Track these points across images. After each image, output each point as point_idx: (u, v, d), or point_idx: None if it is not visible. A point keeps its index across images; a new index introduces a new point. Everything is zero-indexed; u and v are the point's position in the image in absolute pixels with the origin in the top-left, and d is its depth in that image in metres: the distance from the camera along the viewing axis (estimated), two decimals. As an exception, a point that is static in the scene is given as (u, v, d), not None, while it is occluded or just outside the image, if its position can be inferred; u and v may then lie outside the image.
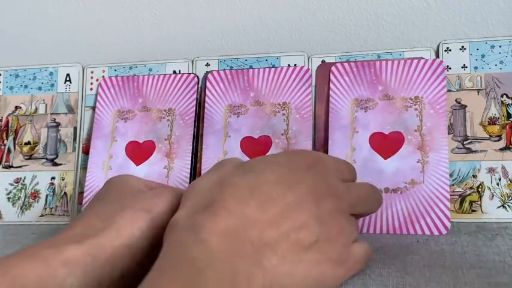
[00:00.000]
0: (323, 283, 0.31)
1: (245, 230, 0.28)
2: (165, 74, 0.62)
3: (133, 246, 0.32)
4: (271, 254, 0.28)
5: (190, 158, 0.58)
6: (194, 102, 0.60)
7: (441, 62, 0.55)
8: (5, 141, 0.65)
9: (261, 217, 0.29)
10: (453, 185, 0.53)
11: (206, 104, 0.59)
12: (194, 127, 0.59)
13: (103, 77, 0.64)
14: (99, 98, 0.63)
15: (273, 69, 0.58)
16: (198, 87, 0.61)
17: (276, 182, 0.31)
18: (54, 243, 0.30)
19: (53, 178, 0.63)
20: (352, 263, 0.34)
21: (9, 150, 0.65)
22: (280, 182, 0.31)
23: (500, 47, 0.56)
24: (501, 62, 0.55)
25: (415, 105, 0.54)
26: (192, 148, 0.58)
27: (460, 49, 0.57)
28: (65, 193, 0.62)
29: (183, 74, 0.62)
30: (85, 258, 0.29)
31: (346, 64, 0.57)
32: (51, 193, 0.62)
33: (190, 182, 0.57)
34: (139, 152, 0.59)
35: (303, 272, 0.30)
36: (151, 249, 0.32)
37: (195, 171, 0.58)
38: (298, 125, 0.56)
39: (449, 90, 0.56)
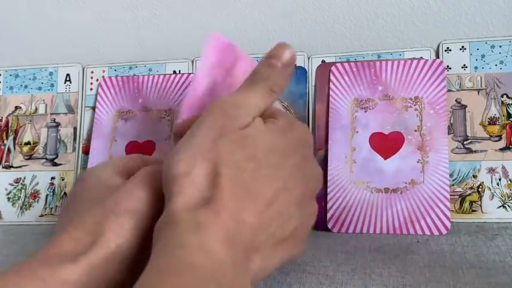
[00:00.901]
0: (288, 261, 0.32)
1: (240, 236, 0.28)
2: (165, 74, 0.62)
3: (123, 256, 0.31)
4: (256, 257, 0.28)
5: None
6: None
7: (441, 62, 0.55)
8: (5, 141, 0.65)
9: (255, 221, 0.28)
10: (453, 185, 0.53)
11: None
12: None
13: (103, 77, 0.64)
14: (99, 98, 0.63)
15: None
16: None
17: (272, 176, 0.30)
18: (50, 261, 0.30)
19: (53, 178, 0.63)
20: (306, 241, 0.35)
21: (9, 150, 0.65)
22: (276, 177, 0.30)
23: (500, 47, 0.56)
24: (501, 62, 0.55)
25: (415, 105, 0.54)
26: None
27: (460, 49, 0.57)
28: (65, 193, 0.62)
29: (183, 74, 0.62)
30: (81, 278, 0.29)
31: (346, 64, 0.57)
32: (51, 193, 0.62)
33: None
34: (139, 152, 0.59)
35: (277, 261, 0.30)
36: (140, 252, 0.32)
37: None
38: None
39: (449, 90, 0.56)
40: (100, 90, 0.63)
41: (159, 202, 0.32)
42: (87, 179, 0.38)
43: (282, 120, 0.33)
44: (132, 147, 0.60)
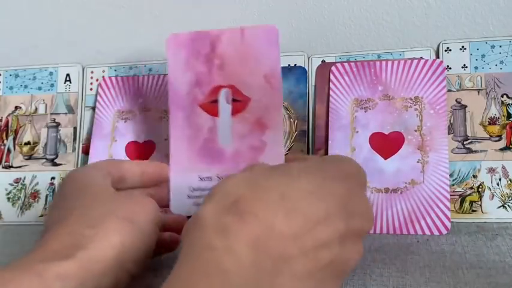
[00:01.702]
0: None
1: (269, 242, 0.27)
2: (165, 74, 0.62)
3: (123, 257, 0.31)
4: (286, 271, 0.27)
5: None
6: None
7: (441, 62, 0.55)
8: (5, 141, 0.65)
9: (286, 230, 0.27)
10: (453, 185, 0.53)
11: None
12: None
13: (103, 77, 0.64)
14: (99, 98, 0.62)
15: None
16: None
17: (308, 191, 0.29)
18: (46, 256, 0.30)
19: (53, 178, 0.62)
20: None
21: (9, 150, 0.65)
22: (313, 192, 0.29)
23: (500, 47, 0.56)
24: (501, 62, 0.55)
25: (415, 105, 0.54)
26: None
27: (460, 49, 0.57)
28: (65, 193, 0.62)
29: None
30: (79, 272, 0.29)
31: (346, 64, 0.57)
32: (51, 193, 0.62)
33: None
34: (139, 152, 0.59)
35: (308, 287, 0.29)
36: (138, 259, 0.32)
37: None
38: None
39: (449, 90, 0.56)
40: (100, 90, 0.63)
41: (154, 225, 0.34)
42: (78, 179, 0.38)
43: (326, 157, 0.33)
44: (132, 147, 0.60)
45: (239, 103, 0.50)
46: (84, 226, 0.32)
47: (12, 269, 0.29)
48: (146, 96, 0.61)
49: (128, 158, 0.59)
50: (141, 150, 0.59)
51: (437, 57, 0.57)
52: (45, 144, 0.64)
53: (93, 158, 0.60)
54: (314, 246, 0.28)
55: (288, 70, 0.60)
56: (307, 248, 0.28)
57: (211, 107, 0.50)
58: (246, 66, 0.50)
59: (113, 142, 0.60)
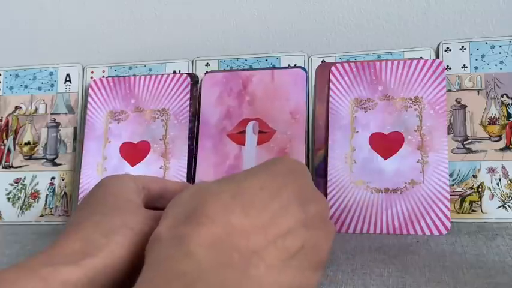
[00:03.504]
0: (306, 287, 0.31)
1: (231, 238, 0.27)
2: (157, 75, 0.62)
3: (126, 265, 0.32)
4: (259, 262, 0.28)
5: (186, 158, 0.58)
6: (188, 101, 0.60)
7: (441, 62, 0.55)
8: (5, 141, 0.65)
9: (246, 224, 0.28)
10: (453, 185, 0.53)
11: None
12: (194, 127, 0.59)
13: (92, 77, 0.64)
14: (90, 99, 0.62)
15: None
16: (196, 88, 0.61)
17: (259, 187, 0.30)
18: (52, 260, 0.30)
19: (53, 178, 0.63)
20: (323, 271, 0.34)
21: (9, 150, 0.65)
22: (264, 188, 0.30)
23: (500, 47, 0.56)
24: (501, 62, 0.55)
25: (415, 105, 0.54)
26: (188, 147, 0.58)
27: (460, 49, 0.57)
28: (65, 193, 0.62)
29: (175, 74, 0.62)
30: (83, 280, 0.30)
31: (346, 64, 0.57)
32: (51, 193, 0.62)
33: (187, 181, 0.57)
34: (134, 152, 0.59)
35: (289, 279, 0.29)
36: (140, 266, 0.32)
37: (190, 171, 0.58)
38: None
39: (449, 90, 0.56)
40: (91, 91, 0.63)
41: None
42: (110, 185, 0.38)
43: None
44: (127, 148, 0.60)
45: (265, 134, 0.57)
46: (98, 234, 0.32)
47: (17, 270, 0.29)
48: (138, 97, 0.61)
49: (122, 159, 0.59)
50: (136, 150, 0.59)
51: (437, 57, 0.57)
52: (45, 144, 0.64)
53: (86, 160, 0.60)
54: (280, 234, 0.29)
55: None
56: (273, 237, 0.29)
57: (238, 137, 0.57)
58: (274, 103, 0.57)
59: (106, 143, 0.60)
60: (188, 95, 0.60)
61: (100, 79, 0.63)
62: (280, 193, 0.30)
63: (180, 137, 0.58)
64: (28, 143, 0.64)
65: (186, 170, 0.57)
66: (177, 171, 0.58)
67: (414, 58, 0.57)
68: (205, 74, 0.61)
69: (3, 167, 0.64)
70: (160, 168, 0.58)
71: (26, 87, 0.66)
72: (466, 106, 0.55)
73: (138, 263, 0.32)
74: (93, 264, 0.30)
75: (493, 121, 0.54)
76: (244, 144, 0.57)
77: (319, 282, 0.33)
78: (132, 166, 0.59)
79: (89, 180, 0.59)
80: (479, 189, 0.53)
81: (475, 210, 0.53)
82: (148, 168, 0.58)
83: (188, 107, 0.59)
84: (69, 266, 0.29)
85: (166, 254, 0.27)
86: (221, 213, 0.28)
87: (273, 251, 0.28)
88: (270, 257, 0.28)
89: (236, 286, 0.26)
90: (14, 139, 0.65)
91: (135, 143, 0.60)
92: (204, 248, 0.26)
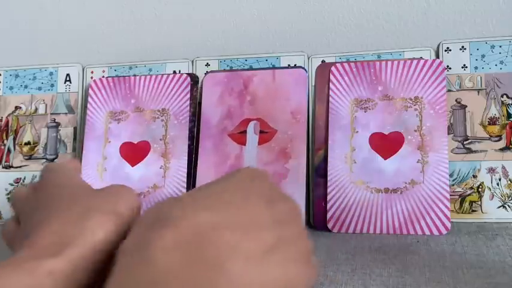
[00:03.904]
0: (293, 286, 0.31)
1: (200, 236, 0.27)
2: (157, 75, 0.62)
3: (110, 251, 0.32)
4: (234, 256, 0.27)
5: (186, 158, 0.58)
6: (188, 102, 0.60)
7: (441, 62, 0.55)
8: (5, 141, 0.65)
9: (217, 220, 0.28)
10: (453, 185, 0.53)
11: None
12: (194, 127, 0.59)
13: (92, 77, 0.64)
14: (90, 99, 0.62)
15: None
16: (196, 88, 0.61)
17: (226, 190, 0.31)
18: (36, 254, 0.30)
19: (53, 178, 0.62)
20: (313, 265, 0.34)
21: (9, 150, 0.65)
22: (231, 191, 0.31)
23: (500, 47, 0.56)
24: (501, 62, 0.55)
25: (415, 105, 0.54)
26: (188, 147, 0.58)
27: (460, 49, 0.57)
28: (65, 193, 0.62)
29: (175, 74, 0.62)
30: (69, 268, 0.30)
31: (346, 64, 0.57)
32: (51, 193, 0.62)
33: (187, 181, 0.57)
34: (134, 152, 0.59)
35: (272, 275, 0.29)
36: None
37: (190, 170, 0.58)
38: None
39: (449, 90, 0.56)
40: (91, 91, 0.63)
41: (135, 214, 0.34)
42: (54, 177, 0.38)
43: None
44: (126, 148, 0.60)
45: (266, 134, 0.57)
46: (67, 225, 0.32)
47: (4, 266, 0.29)
48: (138, 97, 0.61)
49: (122, 159, 0.59)
50: (136, 150, 0.59)
51: (437, 57, 0.57)
52: (45, 144, 0.64)
53: (86, 160, 0.60)
54: (254, 228, 0.29)
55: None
56: (245, 229, 0.29)
57: (239, 137, 0.57)
58: (275, 102, 0.57)
59: (106, 143, 0.60)
60: (188, 95, 0.60)
61: (100, 79, 0.63)
62: (248, 194, 0.31)
63: (180, 137, 0.58)
64: (28, 143, 0.64)
65: (186, 170, 0.57)
66: (177, 171, 0.57)
67: (414, 58, 0.57)
68: (205, 74, 0.61)
69: (3, 167, 0.64)
70: (161, 168, 0.58)
71: (26, 87, 0.66)
72: (466, 106, 0.55)
73: (119, 241, 0.32)
74: (75, 252, 0.31)
75: (493, 121, 0.54)
76: (245, 144, 0.57)
77: (312, 279, 0.33)
78: (132, 166, 0.59)
79: (89, 180, 0.59)
80: (479, 189, 0.53)
81: (475, 210, 0.53)
82: (148, 168, 0.58)
83: (188, 107, 0.59)
84: (52, 258, 0.30)
85: (131, 261, 0.27)
86: (185, 214, 0.28)
87: (248, 245, 0.28)
88: (246, 251, 0.28)
89: (210, 283, 0.26)
90: (14, 139, 0.65)
91: (135, 143, 0.60)
92: (168, 250, 0.26)
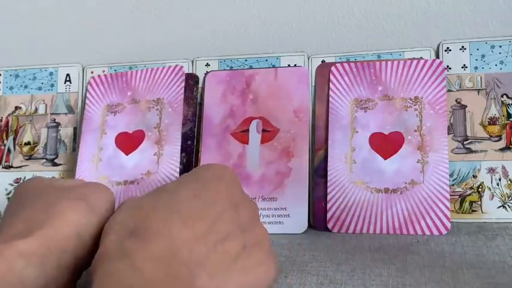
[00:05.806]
0: (259, 287, 0.32)
1: (176, 251, 0.28)
2: (152, 68, 0.62)
3: (81, 234, 0.32)
4: (201, 272, 0.28)
5: (180, 144, 0.58)
6: (182, 90, 0.60)
7: (441, 62, 0.55)
8: (5, 141, 0.65)
9: (187, 235, 0.29)
10: (453, 185, 0.53)
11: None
12: (195, 126, 0.59)
13: (91, 76, 0.64)
14: (88, 95, 0.63)
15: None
16: (197, 88, 0.61)
17: (193, 196, 0.31)
18: (5, 238, 0.30)
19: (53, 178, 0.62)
20: (274, 260, 0.34)
21: (9, 150, 0.65)
22: (197, 196, 0.31)
23: (500, 47, 0.56)
24: (501, 62, 0.55)
25: (415, 105, 0.54)
26: (189, 147, 0.58)
27: (460, 49, 0.57)
28: (65, 193, 0.62)
29: (170, 66, 0.62)
30: (39, 249, 0.30)
31: (346, 64, 0.57)
32: (51, 193, 0.62)
33: (180, 166, 0.57)
34: (128, 141, 0.59)
35: (236, 282, 0.30)
36: (96, 235, 0.33)
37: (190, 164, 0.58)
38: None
39: (449, 90, 0.56)
40: (90, 88, 0.63)
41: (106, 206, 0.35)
42: (30, 183, 0.39)
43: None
44: (122, 138, 0.60)
45: (268, 133, 0.57)
46: (37, 212, 0.33)
47: None
48: (135, 89, 0.62)
49: (117, 149, 0.59)
50: (131, 140, 0.59)
51: (437, 57, 0.57)
52: (45, 144, 0.64)
53: (83, 153, 0.60)
54: (218, 239, 0.30)
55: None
56: (213, 243, 0.29)
57: (242, 136, 0.57)
58: (277, 101, 0.57)
59: (102, 135, 0.60)
60: (182, 84, 0.60)
61: (99, 76, 0.63)
62: (215, 200, 0.31)
63: (173, 124, 0.59)
64: (28, 143, 0.64)
65: (179, 156, 0.57)
66: (171, 157, 0.58)
67: (414, 58, 0.57)
68: (205, 74, 0.61)
69: (3, 167, 0.64)
70: (154, 155, 0.58)
71: (26, 87, 0.66)
72: (466, 106, 0.55)
73: (94, 223, 0.33)
74: (45, 233, 0.31)
75: (493, 121, 0.54)
76: (247, 143, 0.57)
77: (275, 274, 0.33)
78: (127, 155, 0.59)
79: (83, 170, 0.59)
80: (479, 189, 0.53)
81: (475, 210, 0.53)
82: (142, 155, 0.58)
83: (182, 95, 0.59)
84: (23, 239, 0.30)
85: (115, 268, 0.27)
86: (163, 227, 0.29)
87: (214, 258, 0.29)
88: (211, 264, 0.29)
89: None
90: (14, 139, 0.65)
91: (131, 132, 0.60)
92: (151, 262, 0.27)
